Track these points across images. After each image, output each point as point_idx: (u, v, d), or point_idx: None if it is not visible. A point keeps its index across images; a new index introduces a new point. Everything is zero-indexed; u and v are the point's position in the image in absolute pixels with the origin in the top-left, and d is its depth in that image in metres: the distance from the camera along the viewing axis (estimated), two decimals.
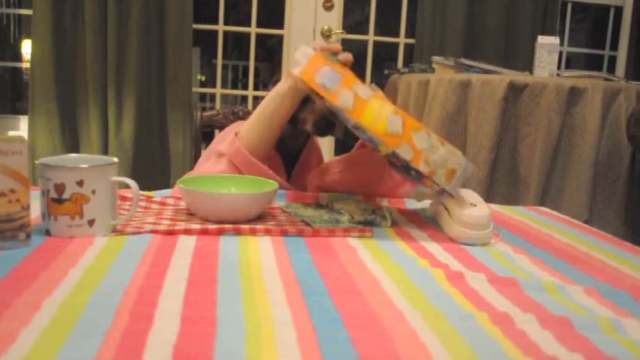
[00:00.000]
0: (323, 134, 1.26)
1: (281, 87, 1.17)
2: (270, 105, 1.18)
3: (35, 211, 0.89)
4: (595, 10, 3.54)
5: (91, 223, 0.81)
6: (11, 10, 3.02)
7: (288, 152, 1.38)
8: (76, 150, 2.71)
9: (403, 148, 0.91)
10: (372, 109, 0.92)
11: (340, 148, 3.23)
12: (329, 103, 0.95)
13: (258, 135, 1.19)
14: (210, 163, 1.22)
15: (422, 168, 0.91)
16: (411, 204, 1.19)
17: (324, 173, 1.24)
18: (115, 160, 0.85)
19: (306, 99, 1.24)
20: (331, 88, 0.94)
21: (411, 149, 0.91)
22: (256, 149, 1.18)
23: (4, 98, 3.33)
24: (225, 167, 1.17)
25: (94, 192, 0.81)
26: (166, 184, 2.76)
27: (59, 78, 2.64)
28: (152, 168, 2.75)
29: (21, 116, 2.91)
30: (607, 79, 2.36)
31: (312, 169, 1.39)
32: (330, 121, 1.22)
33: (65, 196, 0.79)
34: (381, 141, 0.91)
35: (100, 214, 0.82)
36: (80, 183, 0.79)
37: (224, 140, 1.23)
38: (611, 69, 3.44)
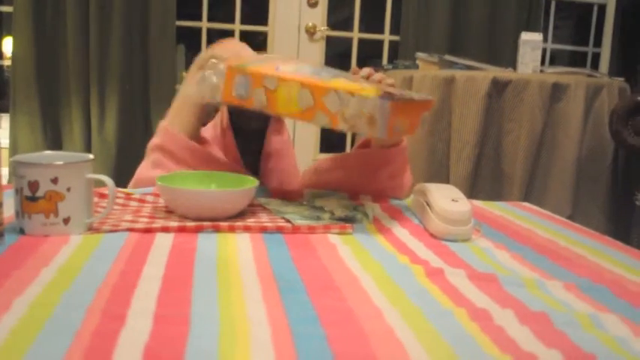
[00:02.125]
0: None
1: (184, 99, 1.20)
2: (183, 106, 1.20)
3: (10, 209, 0.88)
4: (579, 7, 3.56)
5: (66, 221, 0.80)
6: None
7: (253, 136, 1.36)
8: (59, 148, 2.68)
9: (319, 117, 0.91)
10: (282, 96, 0.92)
11: (326, 144, 3.22)
12: (250, 108, 0.97)
13: (184, 123, 1.20)
14: (145, 161, 1.23)
15: (342, 127, 0.90)
16: (394, 201, 1.18)
17: (317, 170, 1.22)
18: (91, 156, 0.84)
19: None
20: (246, 95, 0.95)
21: (326, 115, 0.90)
22: (188, 133, 1.19)
23: None
24: (158, 161, 1.18)
25: (69, 189, 0.79)
26: None
27: (41, 75, 2.61)
28: (136, 166, 2.71)
29: (2, 114, 2.88)
30: (590, 76, 2.37)
31: (282, 154, 1.36)
32: None
33: (39, 193, 0.78)
34: (300, 120, 0.93)
35: (76, 212, 0.81)
36: (55, 180, 0.78)
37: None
38: (595, 66, 3.46)
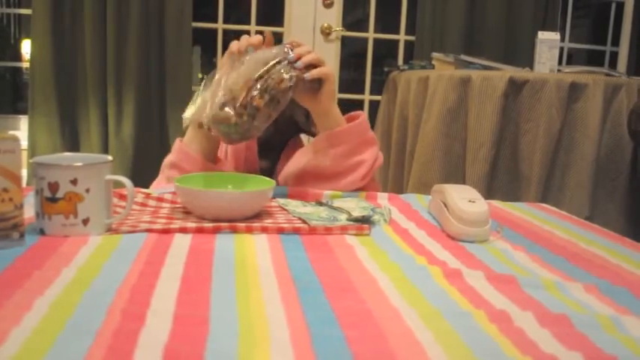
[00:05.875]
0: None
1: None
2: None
3: (30, 210, 0.89)
4: (596, 5, 3.52)
5: (85, 222, 0.81)
6: (11, 10, 3.02)
7: (275, 145, 1.38)
8: (77, 149, 2.70)
9: None
10: None
11: None
12: None
13: (199, 142, 1.21)
14: (159, 177, 1.24)
15: None
16: (412, 199, 1.18)
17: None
18: (110, 158, 0.85)
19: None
20: None
21: None
22: (204, 153, 1.20)
23: (5, 98, 3.33)
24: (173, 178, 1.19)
25: (88, 191, 0.80)
26: None
27: (59, 77, 2.64)
28: (152, 167, 2.74)
29: (21, 116, 2.91)
30: (608, 75, 2.34)
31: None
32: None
33: (59, 194, 0.78)
34: None
35: (95, 213, 0.81)
36: (74, 181, 0.79)
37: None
38: (613, 65, 3.42)
